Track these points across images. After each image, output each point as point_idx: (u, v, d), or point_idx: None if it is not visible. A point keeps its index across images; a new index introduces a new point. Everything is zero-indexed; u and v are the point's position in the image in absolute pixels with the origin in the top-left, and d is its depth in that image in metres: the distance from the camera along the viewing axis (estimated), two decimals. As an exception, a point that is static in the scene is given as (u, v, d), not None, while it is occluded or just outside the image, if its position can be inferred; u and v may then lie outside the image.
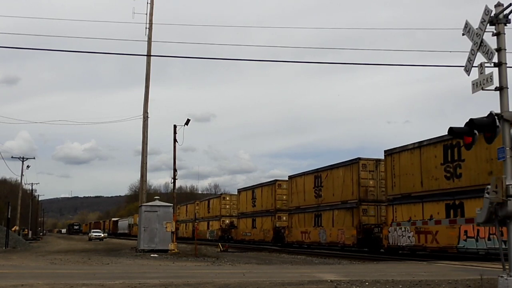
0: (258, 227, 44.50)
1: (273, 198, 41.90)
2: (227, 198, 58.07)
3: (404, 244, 24.08)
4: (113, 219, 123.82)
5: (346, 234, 29.42)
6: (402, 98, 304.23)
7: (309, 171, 35.65)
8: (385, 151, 26.37)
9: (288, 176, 39.21)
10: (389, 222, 25.46)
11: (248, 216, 47.41)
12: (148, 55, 31.83)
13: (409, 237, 23.70)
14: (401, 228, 24.32)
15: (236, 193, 55.35)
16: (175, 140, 29.26)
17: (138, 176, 42.12)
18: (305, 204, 35.28)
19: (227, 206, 57.43)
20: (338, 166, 31.37)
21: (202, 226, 64.11)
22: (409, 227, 23.69)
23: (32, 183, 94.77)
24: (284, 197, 40.77)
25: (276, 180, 42.21)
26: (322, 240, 32.23)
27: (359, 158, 29.28)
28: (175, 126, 29.35)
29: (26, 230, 77.20)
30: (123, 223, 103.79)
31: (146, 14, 32.70)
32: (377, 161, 29.23)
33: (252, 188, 47.20)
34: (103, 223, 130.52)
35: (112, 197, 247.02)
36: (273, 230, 40.89)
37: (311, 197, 34.38)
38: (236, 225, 52.38)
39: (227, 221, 55.90)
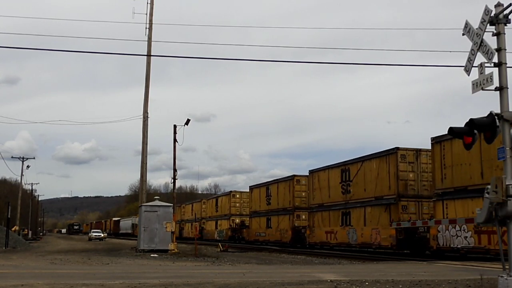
0: (274, 227, 41.09)
1: (291, 195, 38.49)
2: (237, 196, 54.62)
3: (459, 246, 20.63)
4: (114, 218, 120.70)
5: (382, 234, 26.00)
6: (402, 98, 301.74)
7: (334, 164, 32.24)
8: (432, 138, 22.95)
9: (309, 171, 35.86)
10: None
11: (262, 215, 43.97)
12: (148, 55, 31.87)
13: (466, 237, 20.27)
14: (455, 227, 20.92)
15: (244, 191, 52.17)
16: (175, 140, 29.03)
17: (138, 176, 41.80)
18: (329, 201, 31.90)
19: (237, 205, 54.12)
20: (371, 157, 27.97)
21: (210, 225, 60.80)
22: (466, 225, 20.28)
23: (32, 183, 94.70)
24: (303, 194, 37.53)
25: (294, 176, 38.77)
26: (351, 241, 28.83)
27: (397, 148, 25.91)
28: (175, 126, 29.11)
29: (26, 230, 77.36)
30: (126, 223, 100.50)
31: (146, 14, 32.78)
32: (418, 151, 26.01)
33: (267, 185, 43.69)
34: (104, 223, 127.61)
35: (112, 197, 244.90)
36: (292, 230, 37.46)
37: (337, 193, 30.99)
38: (248, 224, 48.88)
39: (238, 220, 52.56)
